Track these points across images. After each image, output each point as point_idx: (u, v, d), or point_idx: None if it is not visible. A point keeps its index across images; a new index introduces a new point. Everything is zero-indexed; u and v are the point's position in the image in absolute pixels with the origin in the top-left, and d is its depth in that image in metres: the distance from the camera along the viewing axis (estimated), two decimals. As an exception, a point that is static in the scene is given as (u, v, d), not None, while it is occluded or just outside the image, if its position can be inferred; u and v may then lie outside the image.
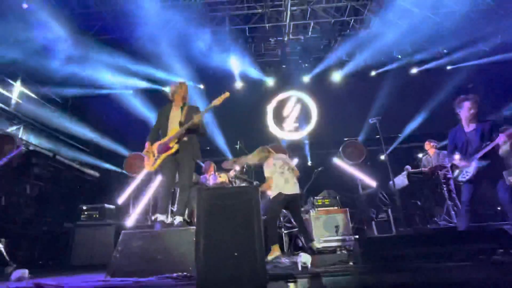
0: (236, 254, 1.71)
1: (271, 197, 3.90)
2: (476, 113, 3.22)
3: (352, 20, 6.94)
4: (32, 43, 5.56)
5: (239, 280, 1.68)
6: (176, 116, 3.38)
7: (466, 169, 3.13)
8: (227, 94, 3.32)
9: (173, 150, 3.20)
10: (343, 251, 3.76)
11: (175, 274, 2.21)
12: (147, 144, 3.31)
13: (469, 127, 3.26)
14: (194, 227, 2.00)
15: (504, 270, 2.03)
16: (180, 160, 3.24)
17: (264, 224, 3.65)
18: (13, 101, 5.90)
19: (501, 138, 2.93)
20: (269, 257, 3.43)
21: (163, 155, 3.20)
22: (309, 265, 2.34)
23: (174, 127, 3.30)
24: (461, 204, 3.20)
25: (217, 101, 3.28)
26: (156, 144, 3.28)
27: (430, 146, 5.26)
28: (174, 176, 3.33)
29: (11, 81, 5.79)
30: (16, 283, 2.41)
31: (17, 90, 5.89)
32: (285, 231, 4.75)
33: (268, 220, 3.72)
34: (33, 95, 6.13)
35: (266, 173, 3.94)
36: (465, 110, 3.24)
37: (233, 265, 1.70)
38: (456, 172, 3.24)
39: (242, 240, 1.76)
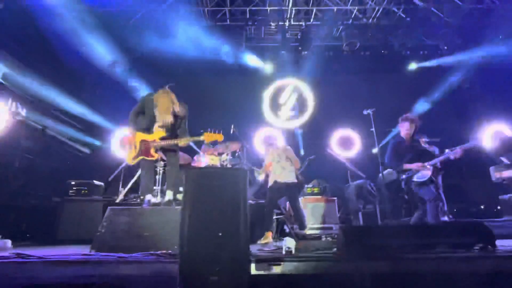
0: (220, 234, 1.71)
1: (268, 185, 4.09)
2: (415, 131, 3.94)
3: (356, 9, 6.82)
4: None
5: (221, 260, 1.69)
6: (165, 113, 3.20)
7: (422, 172, 3.70)
8: (221, 136, 3.25)
9: (153, 159, 3.23)
10: (328, 238, 3.84)
11: (159, 252, 2.22)
12: (130, 132, 3.23)
13: (409, 141, 3.92)
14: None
15: (482, 264, 2.09)
16: (164, 149, 3.28)
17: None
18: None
19: (451, 155, 3.70)
20: (261, 242, 3.57)
21: (143, 157, 3.20)
22: (293, 250, 2.37)
23: (159, 130, 3.22)
24: (430, 202, 3.60)
25: (206, 138, 3.22)
26: (140, 138, 3.21)
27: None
28: (153, 165, 3.37)
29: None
30: (-2, 252, 2.40)
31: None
32: (273, 217, 4.80)
33: (265, 208, 3.96)
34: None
35: (265, 161, 4.31)
36: (409, 128, 3.87)
37: (217, 245, 1.71)
38: (406, 174, 3.79)
39: (227, 221, 1.76)
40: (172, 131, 3.28)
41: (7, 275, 1.80)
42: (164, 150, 3.31)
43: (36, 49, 5.69)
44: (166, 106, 3.12)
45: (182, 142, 3.21)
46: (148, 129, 3.24)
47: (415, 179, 3.74)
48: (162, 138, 3.20)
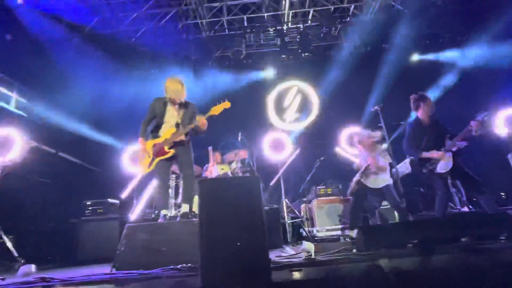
0: (238, 244, 1.71)
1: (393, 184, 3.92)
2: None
3: (352, 6, 6.82)
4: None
5: (242, 270, 1.68)
6: (172, 115, 3.27)
7: (443, 161, 3.28)
8: (227, 103, 3.28)
9: (169, 155, 3.17)
10: (346, 239, 3.79)
11: (179, 266, 2.23)
12: (140, 142, 3.23)
13: (428, 122, 3.50)
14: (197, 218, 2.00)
15: (506, 254, 2.02)
16: (178, 152, 3.22)
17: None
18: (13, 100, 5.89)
19: (472, 125, 3.15)
20: None
21: (158, 159, 3.17)
22: (313, 254, 2.35)
23: (170, 128, 3.22)
24: (441, 196, 3.34)
25: (216, 110, 3.25)
26: (151, 144, 3.21)
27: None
28: (168, 174, 3.36)
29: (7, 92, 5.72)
30: (23, 278, 2.45)
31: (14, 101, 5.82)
32: (288, 221, 4.77)
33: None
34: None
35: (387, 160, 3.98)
36: (428, 106, 3.48)
37: (236, 255, 1.71)
38: (428, 167, 3.37)
39: (244, 230, 1.76)
40: (182, 126, 3.26)
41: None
42: (177, 156, 3.23)
43: (46, 77, 5.87)
44: (179, 90, 3.25)
45: (200, 123, 3.18)
46: (157, 131, 3.26)
47: (438, 170, 3.29)
48: (174, 134, 3.19)
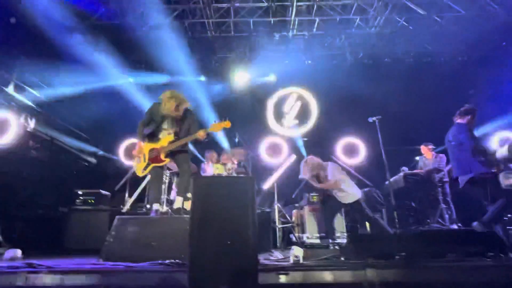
0: (229, 242, 1.72)
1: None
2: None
3: (358, 18, 6.90)
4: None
5: (230, 269, 1.69)
6: (170, 123, 3.27)
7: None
8: (228, 123, 3.22)
9: (165, 163, 3.21)
10: (335, 246, 3.80)
11: (167, 261, 2.22)
12: (138, 144, 3.25)
13: None
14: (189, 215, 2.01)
15: (494, 273, 2.05)
16: (174, 152, 3.24)
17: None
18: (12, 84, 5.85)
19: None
20: None
21: (154, 165, 3.20)
22: (301, 259, 2.36)
23: (167, 135, 3.23)
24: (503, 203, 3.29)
25: (215, 128, 3.20)
26: (148, 148, 3.23)
27: (427, 150, 5.27)
28: (163, 168, 3.36)
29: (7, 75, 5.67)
30: (8, 262, 2.42)
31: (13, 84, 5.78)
32: (279, 226, 4.78)
33: None
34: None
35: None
36: (474, 121, 3.62)
37: (225, 254, 1.72)
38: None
39: (235, 230, 1.77)
40: (180, 135, 3.27)
41: (18, 285, 1.82)
42: (174, 154, 3.25)
43: (46, 62, 5.84)
44: (172, 110, 3.15)
45: (191, 138, 3.17)
46: (155, 135, 3.26)
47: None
48: (171, 142, 3.20)
